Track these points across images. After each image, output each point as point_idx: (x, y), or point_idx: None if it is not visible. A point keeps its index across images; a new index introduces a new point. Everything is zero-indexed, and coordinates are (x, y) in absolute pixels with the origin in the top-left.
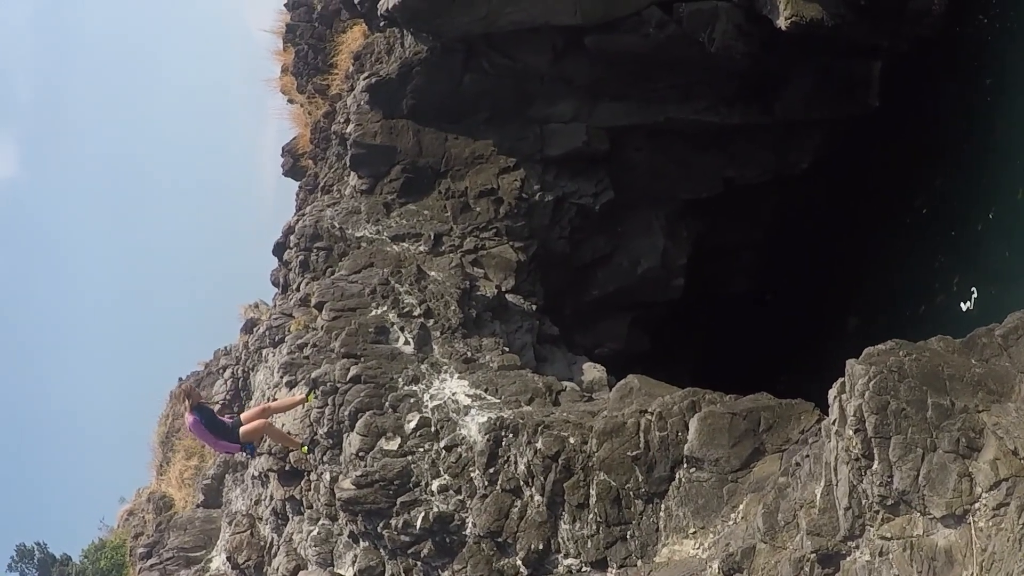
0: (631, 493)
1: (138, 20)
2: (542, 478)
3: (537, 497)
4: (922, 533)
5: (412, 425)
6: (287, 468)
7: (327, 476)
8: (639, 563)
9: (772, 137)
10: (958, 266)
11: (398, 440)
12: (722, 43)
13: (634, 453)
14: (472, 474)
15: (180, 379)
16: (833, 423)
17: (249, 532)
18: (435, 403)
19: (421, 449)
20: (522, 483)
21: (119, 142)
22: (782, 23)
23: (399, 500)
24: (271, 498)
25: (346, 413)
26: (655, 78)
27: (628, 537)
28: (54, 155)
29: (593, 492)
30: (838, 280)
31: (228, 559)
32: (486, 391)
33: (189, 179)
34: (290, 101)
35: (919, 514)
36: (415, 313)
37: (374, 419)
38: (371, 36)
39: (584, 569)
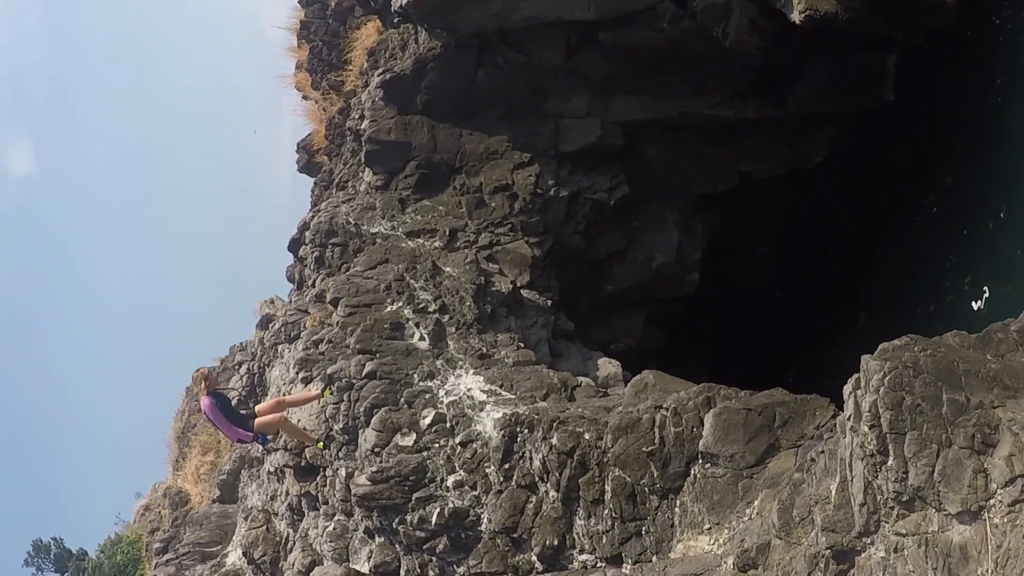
0: (646, 489)
1: (151, 17)
2: (557, 474)
3: (552, 493)
4: (937, 529)
5: (427, 421)
6: (303, 464)
7: (343, 472)
8: (654, 559)
9: (786, 131)
10: (969, 265)
11: (413, 436)
12: (736, 37)
13: (649, 449)
14: (487, 470)
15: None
16: (848, 419)
17: (265, 527)
18: (450, 399)
19: (436, 445)
20: (537, 479)
21: (133, 139)
22: (796, 17)
23: (414, 496)
24: (287, 493)
25: (361, 409)
26: (669, 73)
27: (643, 533)
28: (69, 153)
29: (608, 488)
30: (849, 276)
31: (244, 554)
32: (501, 387)
33: (204, 176)
34: (305, 98)
35: (934, 510)
36: (430, 309)
37: (389, 415)
38: (385, 32)
39: (599, 565)
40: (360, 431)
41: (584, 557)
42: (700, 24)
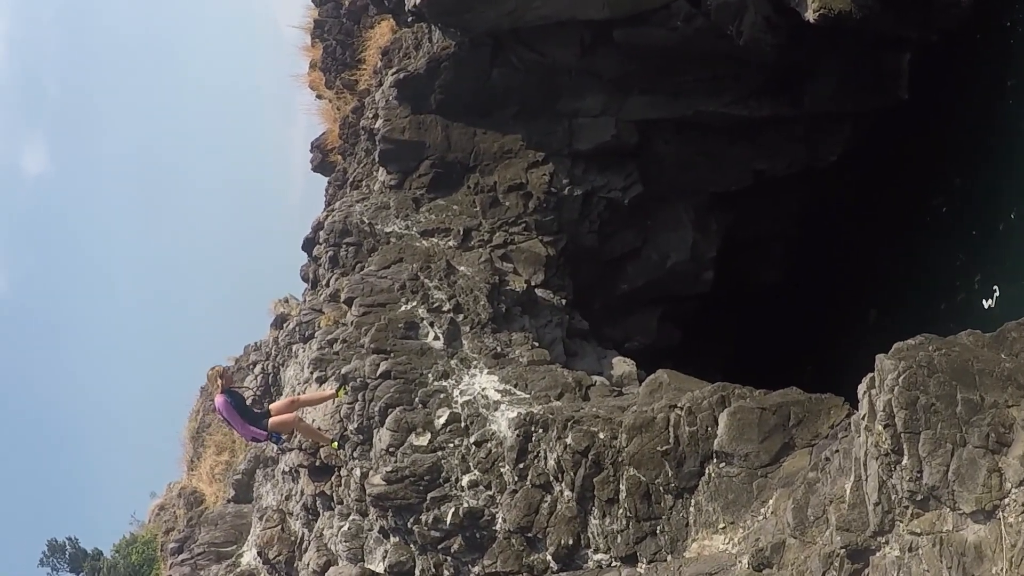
0: (661, 488)
1: (165, 16)
2: (572, 473)
3: (567, 492)
4: (952, 528)
5: (442, 420)
6: (317, 464)
7: (357, 472)
8: (669, 558)
9: (801, 129)
10: (980, 264)
11: (428, 435)
12: (750, 35)
13: (664, 448)
14: (502, 469)
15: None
16: (863, 418)
17: (280, 527)
18: (465, 398)
19: (451, 444)
20: (552, 478)
21: (147, 139)
22: (810, 15)
23: (429, 495)
24: (302, 493)
25: (376, 409)
26: (683, 71)
27: (658, 532)
28: (82, 152)
29: (623, 487)
30: (860, 274)
31: (259, 554)
32: (516, 386)
33: (218, 175)
34: (319, 97)
35: (949, 509)
36: (444, 308)
37: (404, 415)
38: (399, 31)
39: (614, 564)
40: (375, 431)
41: (599, 556)
42: (714, 23)
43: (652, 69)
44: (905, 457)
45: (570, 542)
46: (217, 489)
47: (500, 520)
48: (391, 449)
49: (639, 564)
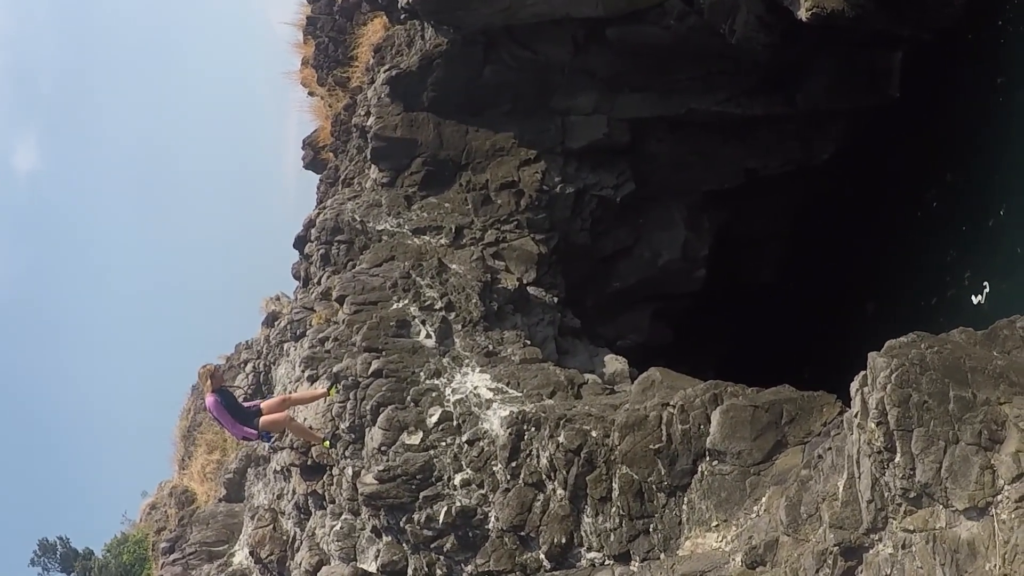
0: (653, 486)
1: (158, 13)
2: (564, 472)
3: (560, 491)
4: (944, 526)
5: (434, 419)
6: (309, 463)
7: (349, 471)
8: (662, 556)
9: (794, 128)
10: (970, 260)
11: (420, 434)
12: (743, 34)
13: (656, 446)
14: (494, 468)
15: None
16: (855, 416)
17: (272, 526)
18: (457, 397)
19: (443, 443)
20: (544, 477)
21: (138, 135)
22: (803, 14)
23: (421, 494)
24: (293, 492)
25: (368, 407)
26: (676, 70)
27: (651, 530)
28: (76, 148)
29: (615, 485)
30: (856, 269)
31: (251, 553)
32: (508, 384)
33: (210, 172)
34: (310, 94)
35: (941, 507)
36: (436, 306)
37: (396, 413)
38: (391, 29)
39: (607, 563)
40: (366, 430)
41: (592, 555)
42: (707, 21)
43: (645, 67)
44: (898, 454)
45: (563, 541)
46: (208, 488)
47: (493, 519)
48: (383, 448)
49: (632, 562)
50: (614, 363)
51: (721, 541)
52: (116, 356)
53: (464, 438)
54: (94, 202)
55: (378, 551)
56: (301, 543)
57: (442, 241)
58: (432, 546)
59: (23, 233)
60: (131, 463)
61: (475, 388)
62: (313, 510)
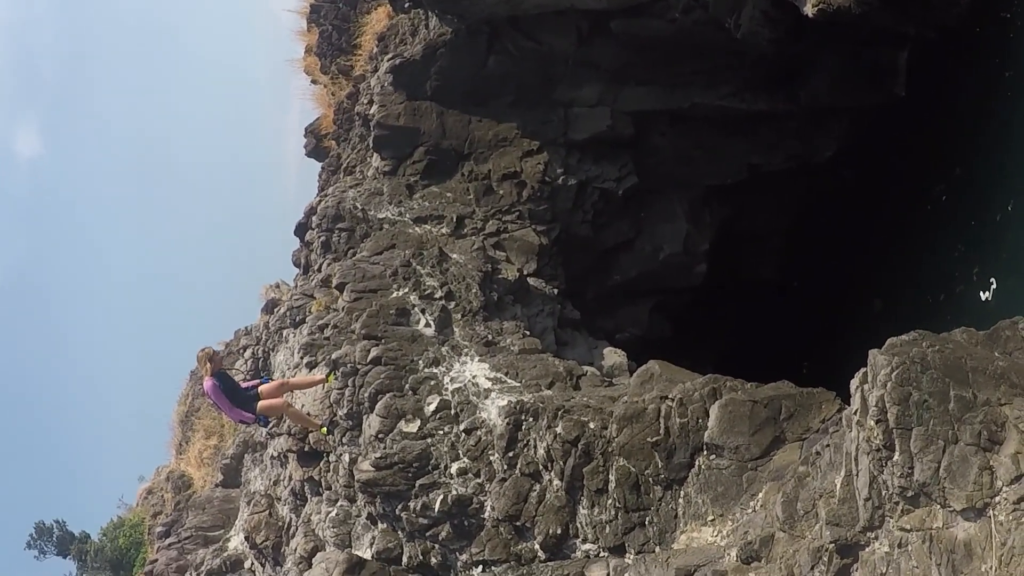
0: (650, 479)
1: None
2: (561, 463)
3: (556, 482)
4: (942, 526)
5: (432, 407)
6: (306, 449)
7: (346, 457)
8: (657, 549)
9: (797, 124)
10: (978, 256)
11: (418, 422)
12: (748, 29)
13: (654, 439)
14: (491, 457)
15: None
16: (855, 413)
17: (267, 512)
18: (455, 386)
19: (440, 432)
20: (541, 467)
21: (141, 120)
22: (809, 10)
23: (418, 482)
24: (290, 478)
25: (366, 395)
26: (680, 63)
27: (646, 523)
28: (77, 134)
29: (612, 478)
30: (862, 264)
31: (246, 539)
32: (506, 374)
33: (212, 159)
34: (313, 82)
35: (939, 506)
36: (436, 295)
37: (394, 401)
38: (395, 17)
39: (602, 554)
40: (364, 417)
41: (587, 547)
42: (712, 15)
43: (649, 60)
44: (896, 453)
45: (558, 531)
46: (205, 473)
47: (488, 508)
48: (380, 435)
49: (627, 555)
50: (613, 356)
51: (716, 535)
52: (115, 341)
53: (462, 427)
54: (95, 188)
55: (373, 538)
56: (296, 529)
57: (443, 230)
58: (427, 534)
59: (24, 218)
60: (128, 448)
61: (473, 377)
62: (309, 496)
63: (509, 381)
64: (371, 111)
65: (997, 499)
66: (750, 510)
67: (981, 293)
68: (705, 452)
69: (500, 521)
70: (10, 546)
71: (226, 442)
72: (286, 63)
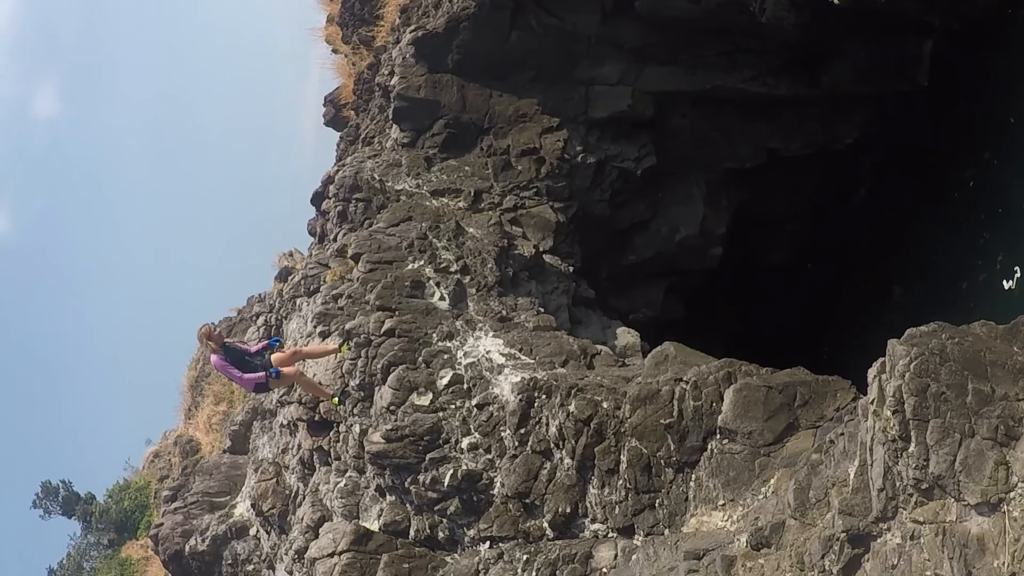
0: (662, 461)
1: None
2: (573, 441)
3: (567, 460)
4: (955, 519)
5: (444, 381)
6: (316, 418)
7: (356, 428)
8: (666, 532)
9: (818, 110)
10: (1003, 243)
11: (430, 396)
12: (773, 13)
13: (667, 421)
14: (503, 434)
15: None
16: (871, 402)
17: (275, 480)
18: (468, 360)
19: (452, 406)
20: (552, 445)
21: (159, 85)
22: None
23: (428, 456)
24: (299, 447)
25: (379, 366)
26: (704, 45)
27: (656, 505)
28: (95, 96)
29: (624, 458)
30: (883, 249)
31: (252, 506)
32: (520, 351)
33: (230, 124)
34: (334, 51)
35: (953, 500)
36: (452, 269)
37: (407, 373)
38: None
39: (610, 535)
40: (376, 388)
41: (596, 526)
42: None
43: (672, 40)
44: (912, 444)
45: (567, 510)
46: (213, 439)
47: (498, 484)
48: (392, 407)
49: (636, 536)
50: (626, 336)
51: (727, 520)
52: (128, 304)
53: (474, 402)
54: (112, 150)
55: (381, 510)
56: (304, 498)
57: (460, 204)
58: (436, 508)
59: (41, 178)
60: (137, 411)
61: (487, 352)
62: (318, 466)
63: (523, 357)
64: (392, 82)
65: (1012, 495)
66: (761, 496)
67: (1004, 282)
68: (718, 436)
69: (509, 498)
70: (16, 505)
71: (235, 408)
72: (307, 31)
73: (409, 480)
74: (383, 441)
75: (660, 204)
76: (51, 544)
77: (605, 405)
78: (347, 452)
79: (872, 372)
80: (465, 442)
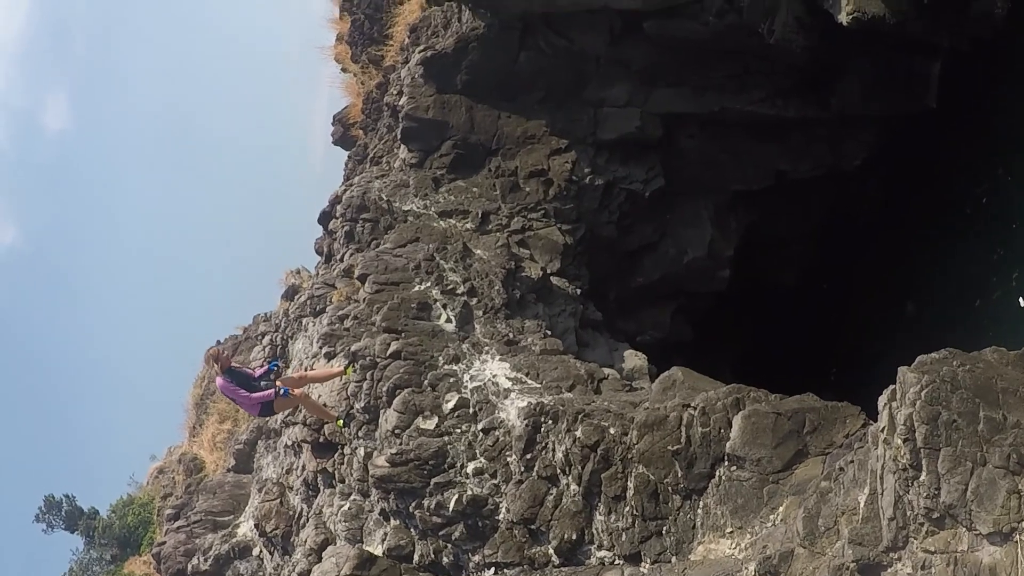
0: (669, 488)
1: None
2: (580, 467)
3: (573, 486)
4: (967, 549)
5: (450, 405)
6: (321, 440)
7: (361, 451)
8: (673, 560)
9: (826, 131)
10: (1017, 260)
11: (435, 419)
12: (782, 35)
13: (675, 447)
14: (508, 459)
15: (218, 342)
16: (882, 430)
17: (279, 501)
18: (475, 384)
19: (458, 430)
20: (559, 471)
21: (169, 99)
22: (843, 18)
23: (433, 480)
24: (303, 468)
25: (384, 389)
26: (712, 66)
27: (664, 532)
28: (106, 110)
29: (631, 485)
30: (895, 266)
31: (256, 526)
32: (527, 375)
33: (239, 141)
34: (343, 70)
35: (965, 529)
36: (458, 291)
37: (412, 396)
38: (428, 9)
39: (617, 562)
40: (382, 411)
41: (602, 553)
42: (746, 19)
43: (681, 62)
44: (923, 473)
45: (573, 537)
46: (217, 457)
47: (504, 510)
48: (397, 431)
49: (643, 564)
50: (634, 359)
51: (735, 548)
52: (135, 319)
53: (480, 426)
54: (121, 165)
55: (385, 534)
56: (307, 520)
57: (468, 225)
58: (440, 533)
59: (50, 190)
60: (142, 427)
61: (494, 376)
62: (322, 488)
63: (529, 382)
64: (400, 102)
65: None
66: (770, 524)
67: (1020, 299)
68: (726, 463)
69: (515, 523)
70: (19, 519)
71: (240, 427)
72: (317, 50)
73: (414, 504)
74: (388, 465)
75: (668, 226)
76: (53, 559)
77: (612, 431)
78: (351, 475)
79: (882, 400)
80: (471, 467)
